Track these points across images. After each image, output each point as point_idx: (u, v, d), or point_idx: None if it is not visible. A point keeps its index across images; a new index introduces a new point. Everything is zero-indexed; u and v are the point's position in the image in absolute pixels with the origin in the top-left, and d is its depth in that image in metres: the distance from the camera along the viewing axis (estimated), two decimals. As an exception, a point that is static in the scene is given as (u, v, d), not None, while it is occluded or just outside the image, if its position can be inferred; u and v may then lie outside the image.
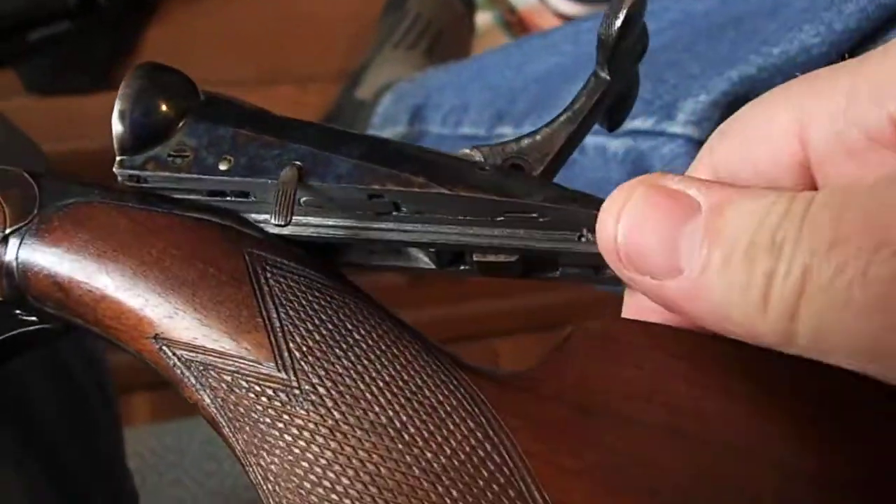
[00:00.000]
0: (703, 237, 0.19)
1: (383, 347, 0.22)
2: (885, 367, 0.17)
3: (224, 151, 0.24)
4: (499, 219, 0.23)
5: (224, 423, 0.22)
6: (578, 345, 0.23)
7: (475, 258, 0.24)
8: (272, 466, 0.21)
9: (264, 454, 0.21)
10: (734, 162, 0.23)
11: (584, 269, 0.25)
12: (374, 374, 0.21)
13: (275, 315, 0.22)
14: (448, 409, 0.21)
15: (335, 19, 0.81)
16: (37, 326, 0.25)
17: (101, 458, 0.45)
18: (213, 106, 0.25)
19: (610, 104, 0.27)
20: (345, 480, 0.20)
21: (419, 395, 0.21)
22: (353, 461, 0.20)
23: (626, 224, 0.20)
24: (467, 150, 0.25)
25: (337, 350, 0.22)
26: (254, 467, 0.21)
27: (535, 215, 0.23)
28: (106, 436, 0.46)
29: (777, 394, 0.22)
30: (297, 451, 0.20)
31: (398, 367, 0.22)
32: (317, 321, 0.22)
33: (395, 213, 0.24)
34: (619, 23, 0.23)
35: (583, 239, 0.23)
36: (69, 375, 0.44)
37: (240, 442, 0.21)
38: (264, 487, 0.21)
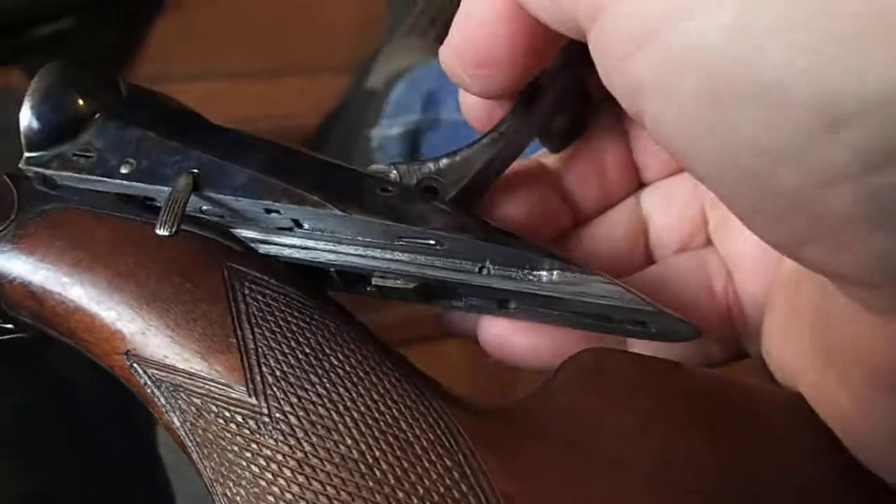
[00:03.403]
0: None
1: (361, 374, 0.21)
2: None
3: (128, 154, 0.24)
4: (398, 243, 0.22)
5: (193, 448, 0.21)
6: (569, 378, 0.22)
7: (374, 282, 0.24)
8: (237, 498, 0.20)
9: (230, 484, 0.20)
10: None
11: (486, 302, 0.24)
12: (348, 404, 0.20)
13: (249, 335, 0.21)
14: (425, 444, 0.20)
15: (343, 9, 0.79)
16: (11, 335, 0.25)
17: (137, 444, 0.46)
18: (128, 106, 0.25)
19: (551, 123, 0.26)
20: None
21: (394, 429, 0.20)
22: (321, 498, 0.19)
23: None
24: (384, 167, 0.24)
25: (312, 376, 0.21)
26: (220, 497, 0.20)
27: (432, 242, 0.22)
28: (143, 423, 0.47)
29: (774, 445, 0.20)
30: (263, 483, 0.19)
31: (375, 396, 0.21)
32: (293, 343, 0.21)
33: (296, 230, 0.23)
34: None
35: (484, 271, 0.22)
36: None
37: (207, 469, 0.20)
38: None
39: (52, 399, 0.40)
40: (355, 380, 0.21)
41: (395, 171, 0.24)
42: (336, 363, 0.21)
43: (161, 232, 0.22)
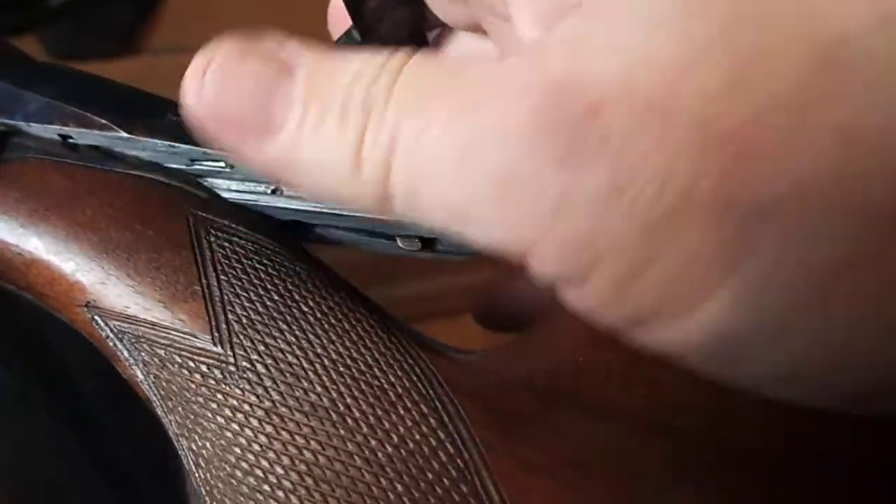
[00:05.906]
0: (300, 97, 0.18)
1: (332, 321, 0.20)
2: (475, 229, 0.16)
3: None
4: (194, 167, 0.22)
5: (157, 402, 0.20)
6: (554, 323, 0.21)
7: None
8: (203, 451, 0.19)
9: (196, 437, 0.19)
10: None
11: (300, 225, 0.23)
12: (319, 351, 0.19)
13: (215, 283, 0.20)
14: (399, 391, 0.19)
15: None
16: None
17: (138, 428, 0.45)
18: None
19: None
20: (279, 469, 0.18)
21: (367, 376, 0.19)
22: (289, 448, 0.18)
23: (212, 84, 0.18)
24: None
25: (281, 323, 0.20)
26: (186, 451, 0.19)
27: (222, 164, 0.22)
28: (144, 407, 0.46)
29: None
30: (229, 434, 0.18)
31: (347, 343, 0.19)
32: (261, 290, 0.20)
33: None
34: None
35: (277, 192, 0.22)
36: None
37: (173, 423, 0.19)
38: (196, 474, 0.19)
39: (47, 381, 0.39)
40: (326, 326, 0.20)
41: None
42: (306, 310, 0.20)
43: None
